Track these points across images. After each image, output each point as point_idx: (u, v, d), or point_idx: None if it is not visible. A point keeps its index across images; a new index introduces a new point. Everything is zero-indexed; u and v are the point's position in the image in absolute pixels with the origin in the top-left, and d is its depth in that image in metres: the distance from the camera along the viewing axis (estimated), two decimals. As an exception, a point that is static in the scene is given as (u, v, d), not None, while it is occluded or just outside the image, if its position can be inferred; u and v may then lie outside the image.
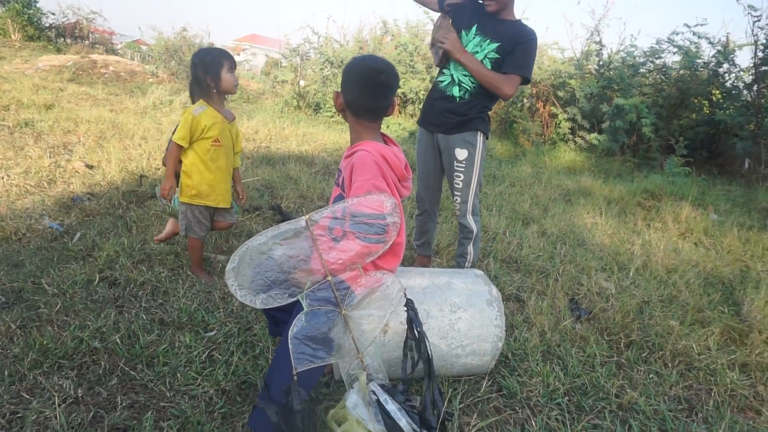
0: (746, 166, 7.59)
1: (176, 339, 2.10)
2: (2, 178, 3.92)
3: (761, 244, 4.26)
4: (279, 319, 1.93)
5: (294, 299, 1.50)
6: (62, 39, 15.65)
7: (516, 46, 2.47)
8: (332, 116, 10.10)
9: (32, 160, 4.47)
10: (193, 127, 2.49)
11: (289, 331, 1.46)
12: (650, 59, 8.77)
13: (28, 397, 1.69)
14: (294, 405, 1.42)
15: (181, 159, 2.58)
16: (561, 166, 7.65)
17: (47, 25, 15.87)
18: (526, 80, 2.53)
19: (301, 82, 11.27)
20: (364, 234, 1.51)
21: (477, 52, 2.51)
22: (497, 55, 2.48)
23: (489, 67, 2.50)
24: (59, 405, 1.65)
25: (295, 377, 1.43)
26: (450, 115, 2.61)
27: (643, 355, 2.37)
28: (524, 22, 2.56)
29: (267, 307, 1.48)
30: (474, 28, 2.54)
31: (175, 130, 2.55)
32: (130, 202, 3.68)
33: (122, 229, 3.18)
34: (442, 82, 2.63)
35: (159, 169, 4.44)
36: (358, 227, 1.51)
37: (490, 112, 2.69)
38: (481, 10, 2.55)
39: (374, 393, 1.56)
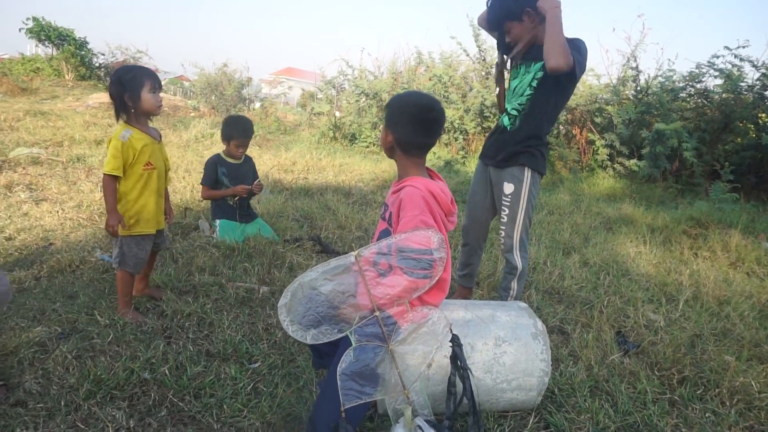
0: (798, 191, 7.28)
1: (222, 370, 2.13)
2: (57, 211, 4.12)
3: (819, 274, 4.05)
4: (323, 351, 1.94)
5: (343, 335, 1.51)
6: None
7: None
8: (367, 146, 10.25)
9: (84, 194, 4.68)
10: (125, 154, 2.38)
11: (338, 367, 1.47)
12: (690, 83, 8.60)
13: (83, 427, 1.74)
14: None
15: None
16: (600, 193, 7.51)
17: (97, 64, 16.80)
18: (573, 69, 2.35)
19: (337, 114, 11.52)
20: (411, 269, 1.52)
21: (525, 76, 2.54)
22: (543, 72, 2.48)
23: (535, 85, 2.51)
24: (112, 435, 1.69)
25: (343, 413, 1.44)
26: (500, 148, 2.65)
27: (698, 392, 2.27)
28: None
29: (317, 342, 1.49)
30: (520, 69, 2.62)
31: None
32: (176, 234, 3.79)
33: (168, 260, 3.28)
34: (500, 116, 2.72)
35: (202, 201, 4.58)
36: (406, 262, 1.52)
37: (545, 150, 2.65)
38: None
39: (420, 428, 1.55)
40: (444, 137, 10.12)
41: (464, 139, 9.99)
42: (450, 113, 9.88)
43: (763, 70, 7.70)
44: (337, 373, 1.47)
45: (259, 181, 3.87)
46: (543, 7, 2.37)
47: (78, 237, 3.65)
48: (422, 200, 1.65)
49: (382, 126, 1.83)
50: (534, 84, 2.51)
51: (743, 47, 7.82)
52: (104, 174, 2.40)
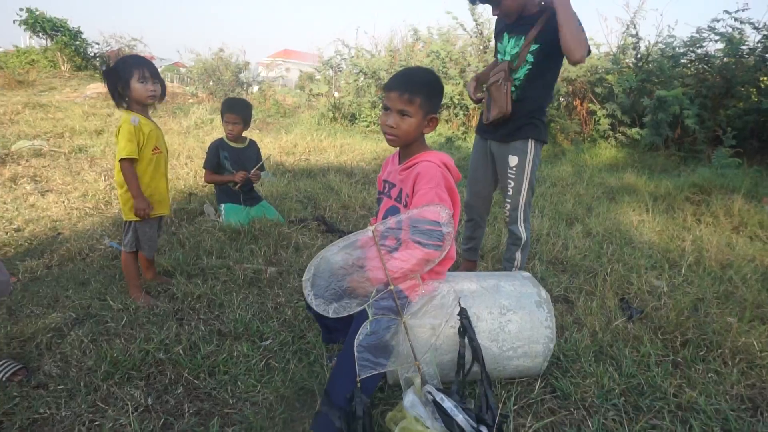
0: (801, 154, 7.25)
1: (234, 349, 2.18)
2: (63, 202, 4.16)
3: (822, 235, 4.07)
4: (332, 327, 2.00)
5: (361, 308, 1.56)
6: (107, 66, 16.40)
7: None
8: (368, 126, 10.22)
9: (89, 183, 4.72)
10: (138, 138, 2.44)
11: (354, 340, 1.52)
12: (691, 49, 8.49)
13: (103, 406, 1.80)
14: (357, 411, 1.47)
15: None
16: (602, 163, 7.50)
17: (92, 54, 16.68)
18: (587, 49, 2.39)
19: (336, 94, 11.47)
20: (425, 240, 1.57)
21: (516, 52, 2.53)
22: (537, 45, 2.48)
23: (532, 60, 2.50)
24: (132, 413, 1.75)
25: (359, 384, 1.49)
26: (501, 123, 2.63)
27: (701, 353, 2.31)
28: None
29: (339, 316, 1.54)
30: (505, 35, 2.61)
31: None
32: (182, 219, 3.83)
33: (176, 244, 3.32)
34: None
35: (206, 186, 4.61)
36: (420, 235, 1.57)
37: (545, 118, 2.66)
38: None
39: (430, 393, 1.60)
40: (444, 113, 10.08)
41: (464, 115, 9.94)
42: (449, 89, 9.82)
43: (765, 32, 7.60)
44: (354, 346, 1.52)
45: (257, 169, 3.86)
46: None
47: (85, 226, 3.69)
48: (440, 174, 1.71)
49: (411, 116, 1.73)
50: (530, 59, 2.50)
51: (743, 10, 7.72)
52: (122, 160, 2.43)
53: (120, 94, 2.46)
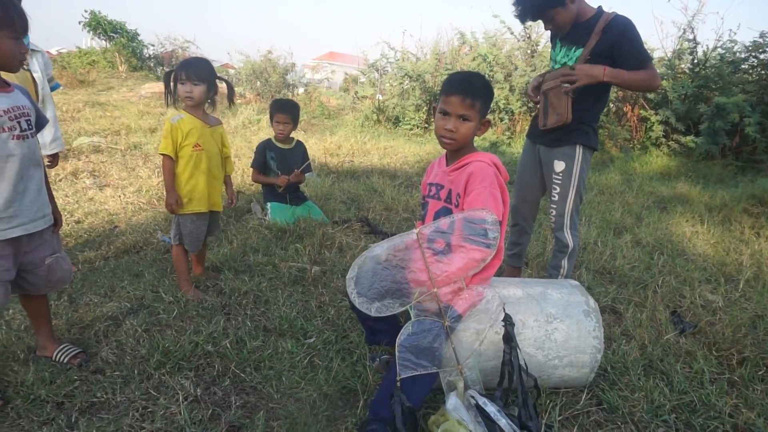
0: None
1: (279, 345, 2.23)
2: (119, 196, 4.35)
3: None
4: (375, 328, 2.01)
5: (403, 309, 1.57)
6: (161, 67, 17.04)
7: (619, 39, 2.37)
8: (411, 129, 10.22)
9: (143, 179, 4.91)
10: (174, 135, 2.54)
11: (397, 339, 1.53)
12: (753, 54, 8.10)
13: (155, 394, 1.87)
14: (395, 411, 1.48)
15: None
16: (653, 172, 7.25)
17: (147, 55, 17.39)
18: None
19: (380, 96, 11.52)
20: (474, 240, 1.57)
21: (566, 62, 2.49)
22: (589, 57, 2.44)
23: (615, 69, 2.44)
24: (182, 402, 1.81)
25: (398, 383, 1.49)
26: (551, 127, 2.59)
27: (759, 373, 2.20)
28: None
29: (381, 315, 1.56)
30: (558, 44, 2.59)
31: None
32: (229, 217, 3.94)
33: (224, 241, 3.42)
34: None
35: (253, 185, 4.72)
36: (468, 237, 1.58)
37: (596, 125, 2.61)
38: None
39: (473, 398, 1.59)
40: (489, 117, 9.96)
41: (510, 120, 9.81)
42: (495, 93, 9.71)
43: (835, 37, 7.18)
44: (396, 345, 1.53)
45: (300, 171, 3.91)
46: (591, 75, 2.38)
47: (140, 220, 3.85)
48: (492, 173, 1.74)
49: (471, 120, 1.78)
50: None
51: (812, 13, 7.30)
52: (160, 154, 2.61)
53: (171, 93, 2.61)
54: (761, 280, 3.19)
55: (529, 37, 9.99)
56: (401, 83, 11.01)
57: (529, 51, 10.09)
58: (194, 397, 1.87)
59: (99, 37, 17.36)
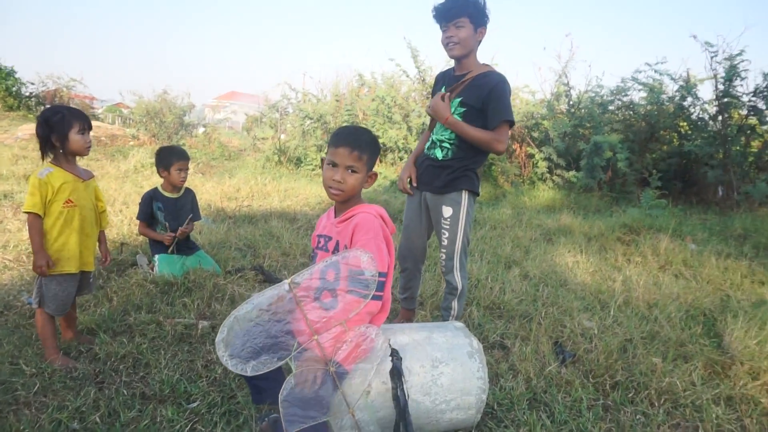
0: (720, 193, 7.81)
1: (158, 413, 2.06)
2: (-20, 254, 3.89)
3: (739, 272, 4.35)
4: (261, 387, 1.92)
5: (283, 362, 1.52)
6: (42, 107, 15.82)
7: (488, 94, 2.52)
8: (313, 170, 10.24)
9: (11, 233, 4.46)
10: (43, 191, 2.36)
11: (279, 395, 1.48)
12: (617, 97, 9.13)
13: (3, 488, 1.64)
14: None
15: None
16: (540, 205, 7.79)
17: (27, 94, 16.06)
18: (511, 123, 2.58)
19: (282, 137, 11.47)
20: (351, 288, 1.58)
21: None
22: (463, 109, 2.58)
23: (460, 119, 2.58)
24: (36, 494, 1.60)
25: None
26: (436, 176, 2.69)
27: (629, 395, 2.37)
28: (495, 67, 2.67)
29: (257, 373, 1.51)
30: (443, 90, 2.69)
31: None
32: (111, 272, 3.66)
33: (102, 300, 3.15)
34: (427, 146, 2.77)
35: (140, 236, 4.44)
36: (345, 282, 1.58)
37: (478, 168, 2.74)
38: (449, 73, 2.72)
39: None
40: (389, 157, 10.25)
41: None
42: (394, 133, 10.04)
43: (681, 82, 8.27)
44: (279, 401, 1.48)
45: (184, 227, 3.71)
46: (438, 113, 2.58)
47: (3, 280, 3.46)
48: (377, 224, 1.78)
49: (358, 172, 1.82)
50: (458, 118, 2.60)
51: (661, 63, 8.40)
52: (25, 212, 2.38)
53: (52, 145, 2.40)
54: (630, 305, 3.48)
55: (424, 80, 10.50)
56: (302, 124, 11.07)
57: (424, 93, 10.59)
58: (52, 487, 1.66)
59: (-33, 74, 15.81)
